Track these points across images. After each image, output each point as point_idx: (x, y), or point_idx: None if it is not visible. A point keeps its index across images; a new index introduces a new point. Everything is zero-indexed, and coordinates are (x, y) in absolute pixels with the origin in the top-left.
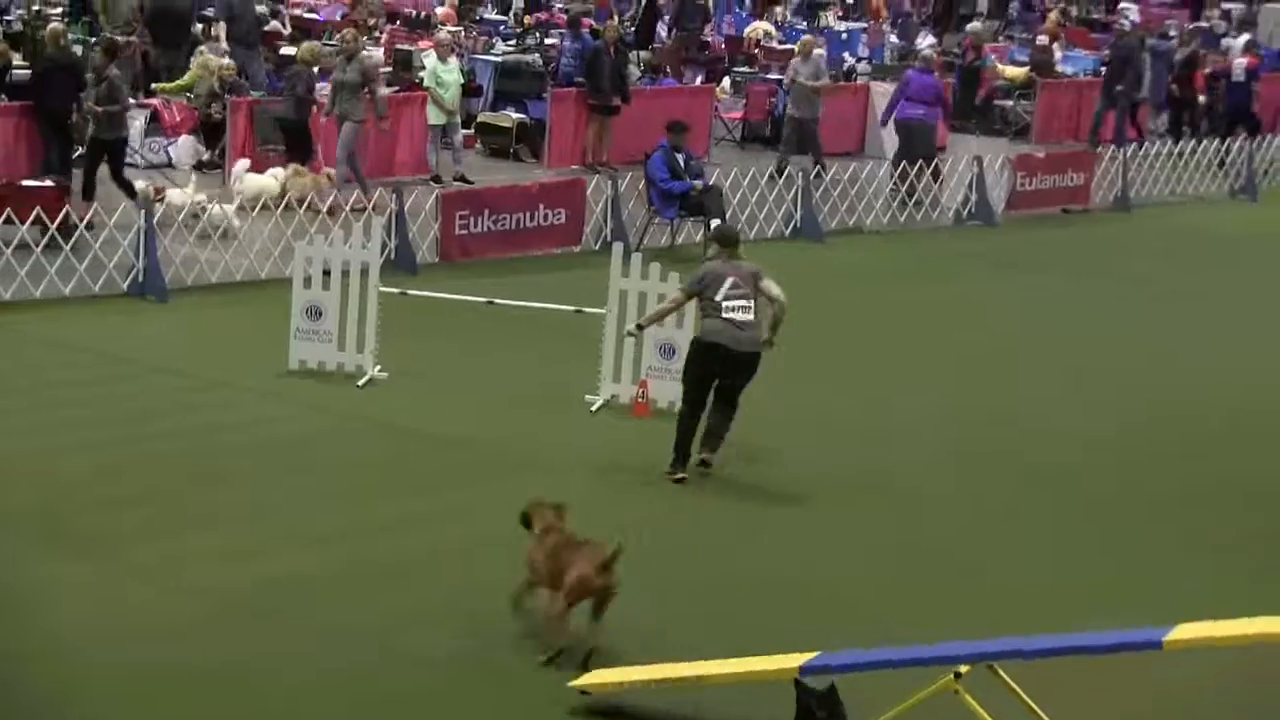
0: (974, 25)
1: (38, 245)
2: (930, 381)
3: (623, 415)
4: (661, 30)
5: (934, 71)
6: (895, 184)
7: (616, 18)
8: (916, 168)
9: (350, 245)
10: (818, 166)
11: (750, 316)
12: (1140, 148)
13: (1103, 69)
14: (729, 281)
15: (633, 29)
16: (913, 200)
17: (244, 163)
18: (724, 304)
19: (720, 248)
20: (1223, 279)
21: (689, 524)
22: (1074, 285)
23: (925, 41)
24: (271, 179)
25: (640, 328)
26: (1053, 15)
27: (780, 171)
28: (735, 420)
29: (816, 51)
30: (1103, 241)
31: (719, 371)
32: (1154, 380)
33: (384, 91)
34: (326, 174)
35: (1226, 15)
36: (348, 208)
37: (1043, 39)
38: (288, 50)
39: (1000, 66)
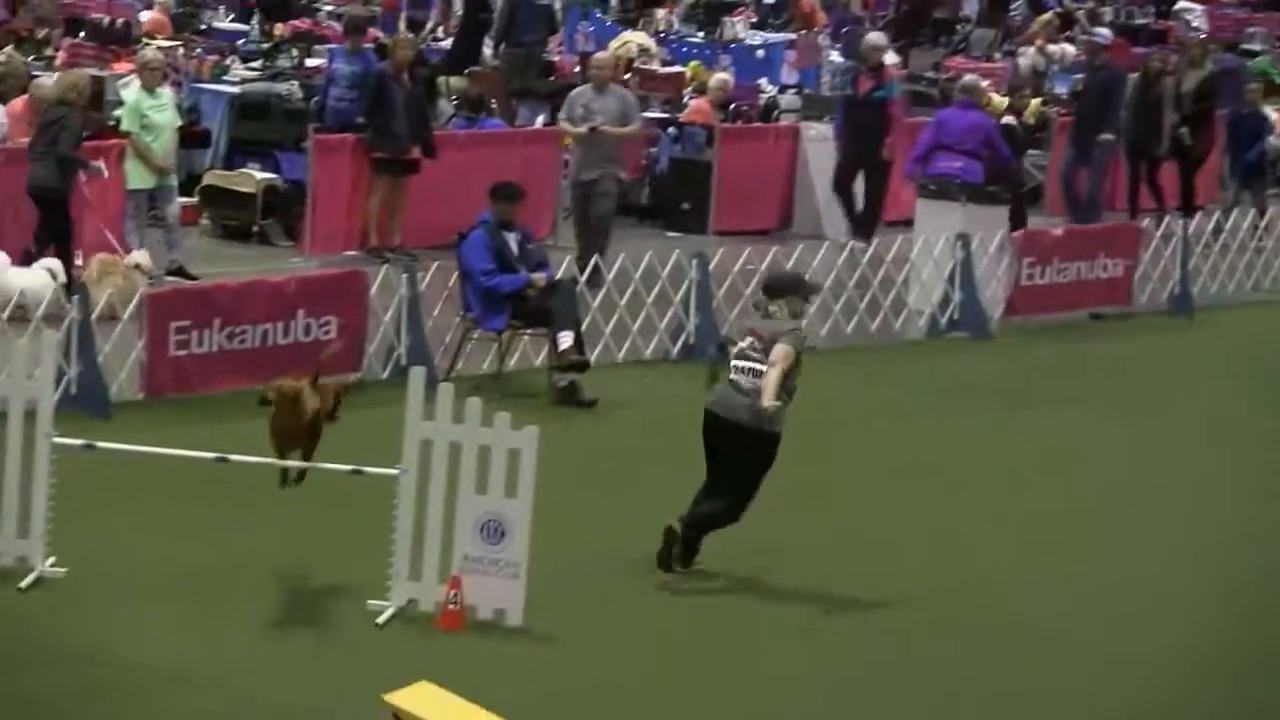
0: (872, 38)
1: None
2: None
3: (425, 631)
4: (488, 48)
5: (978, 106)
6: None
7: (408, 27)
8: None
9: (4, 375)
10: (594, 258)
11: (757, 383)
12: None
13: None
14: (747, 340)
15: (431, 40)
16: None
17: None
18: (734, 363)
19: (764, 297)
20: None
21: None
22: (1114, 429)
23: (888, 59)
24: (45, 275)
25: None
26: (1043, 17)
27: (582, 267)
28: (727, 521)
29: (618, 89)
30: (1154, 362)
31: (712, 445)
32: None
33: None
34: (135, 263)
35: None
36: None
37: (1027, 53)
38: None
39: (993, 97)
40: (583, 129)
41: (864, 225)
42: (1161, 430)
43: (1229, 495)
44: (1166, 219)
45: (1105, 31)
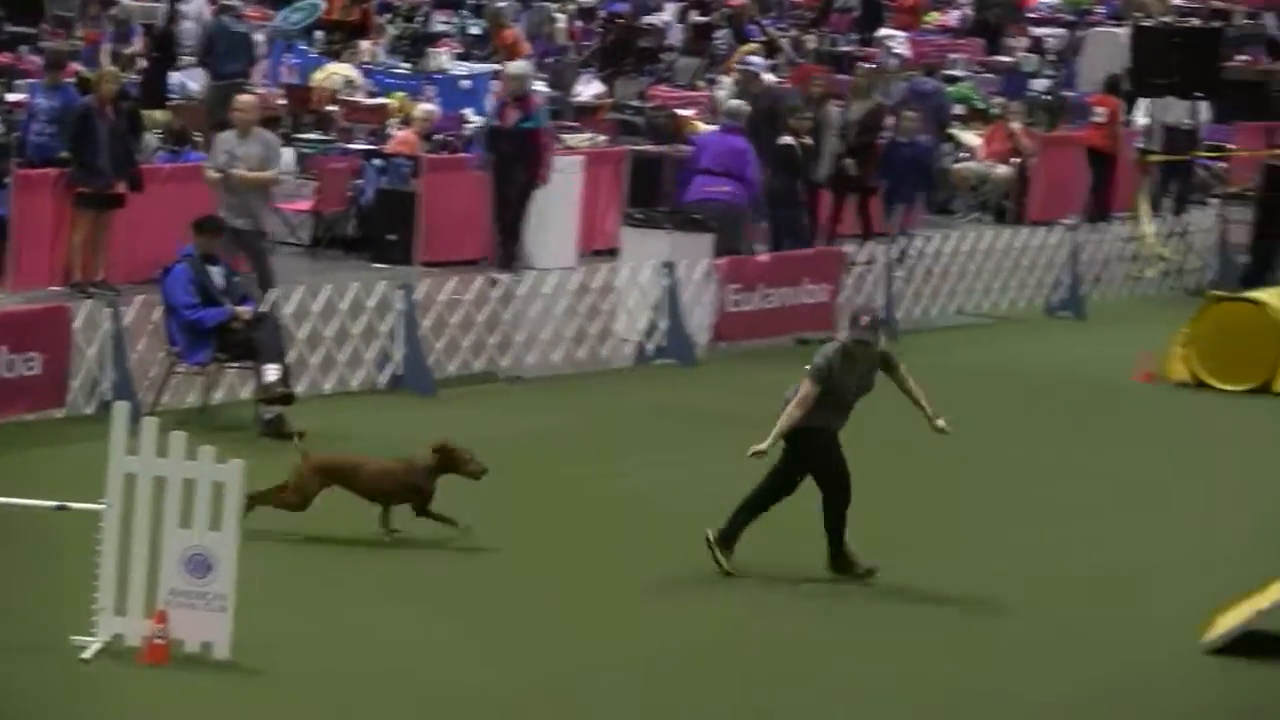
0: (515, 67)
1: None
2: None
3: (131, 666)
4: (184, 79)
5: (742, 130)
6: None
7: (111, 60)
8: None
9: None
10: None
11: None
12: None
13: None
14: None
15: (135, 74)
16: None
17: None
18: None
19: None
20: (1052, 441)
21: None
22: None
23: (589, 89)
24: None
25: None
26: (746, 47)
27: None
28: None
29: (263, 133)
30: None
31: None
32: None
33: None
34: None
35: (1037, 45)
36: None
37: (724, 83)
38: None
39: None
40: (217, 175)
41: (506, 254)
42: (876, 458)
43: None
44: (869, 245)
45: (759, 60)
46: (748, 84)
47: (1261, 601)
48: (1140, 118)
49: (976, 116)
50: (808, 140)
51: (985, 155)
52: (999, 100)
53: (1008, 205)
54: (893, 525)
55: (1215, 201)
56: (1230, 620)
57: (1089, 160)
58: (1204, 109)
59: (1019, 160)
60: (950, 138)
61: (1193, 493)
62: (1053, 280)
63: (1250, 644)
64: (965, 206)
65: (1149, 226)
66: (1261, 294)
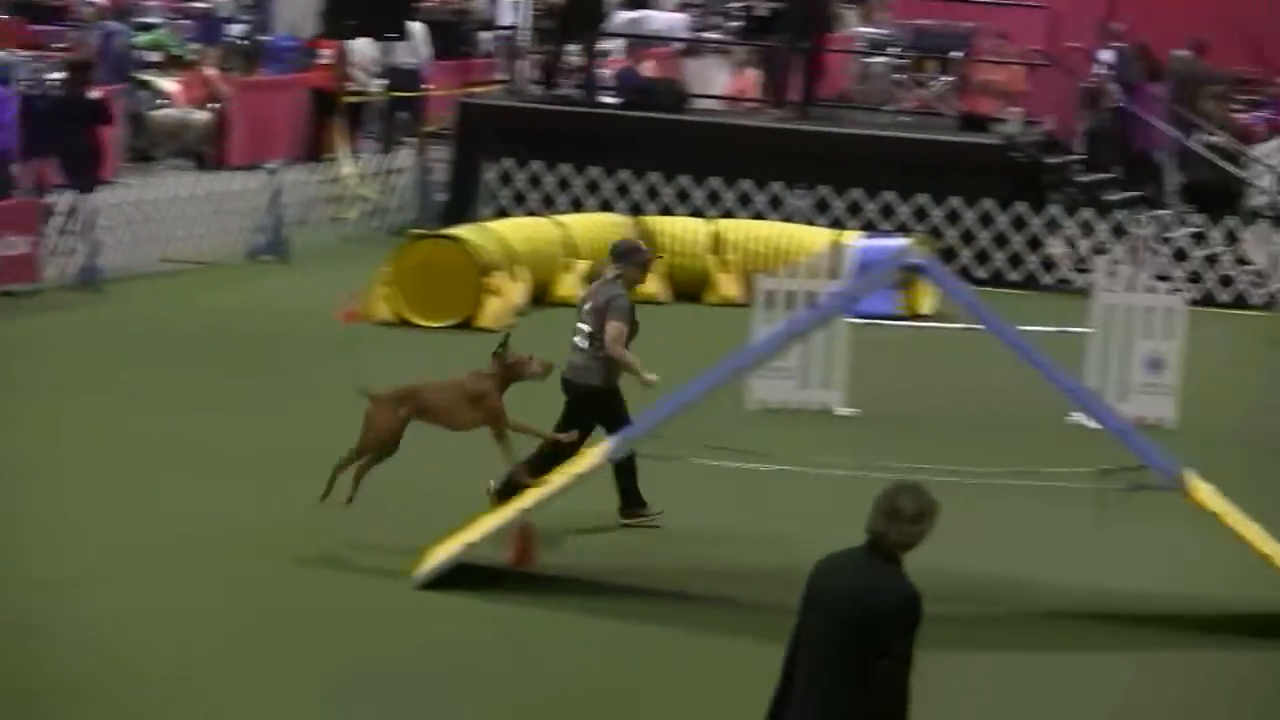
0: None
1: None
2: None
3: None
4: None
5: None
6: None
7: None
8: None
9: None
10: None
11: (584, 345)
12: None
13: None
14: (586, 305)
15: None
16: None
17: None
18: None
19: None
20: (255, 383)
21: None
22: (51, 407)
23: None
24: None
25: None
26: None
27: None
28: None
29: None
30: (73, 337)
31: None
32: None
33: None
34: None
35: None
36: None
37: None
38: None
39: None
40: None
41: None
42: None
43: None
44: (68, 194)
45: None
46: None
47: (471, 534)
48: (355, 58)
49: (174, 63)
50: None
51: (184, 101)
52: (195, 46)
53: (207, 151)
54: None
55: (413, 140)
56: (440, 554)
57: (313, 101)
58: (423, 48)
59: (217, 106)
60: (145, 84)
61: None
62: (255, 224)
63: (460, 577)
64: (166, 153)
65: (349, 167)
66: (460, 231)
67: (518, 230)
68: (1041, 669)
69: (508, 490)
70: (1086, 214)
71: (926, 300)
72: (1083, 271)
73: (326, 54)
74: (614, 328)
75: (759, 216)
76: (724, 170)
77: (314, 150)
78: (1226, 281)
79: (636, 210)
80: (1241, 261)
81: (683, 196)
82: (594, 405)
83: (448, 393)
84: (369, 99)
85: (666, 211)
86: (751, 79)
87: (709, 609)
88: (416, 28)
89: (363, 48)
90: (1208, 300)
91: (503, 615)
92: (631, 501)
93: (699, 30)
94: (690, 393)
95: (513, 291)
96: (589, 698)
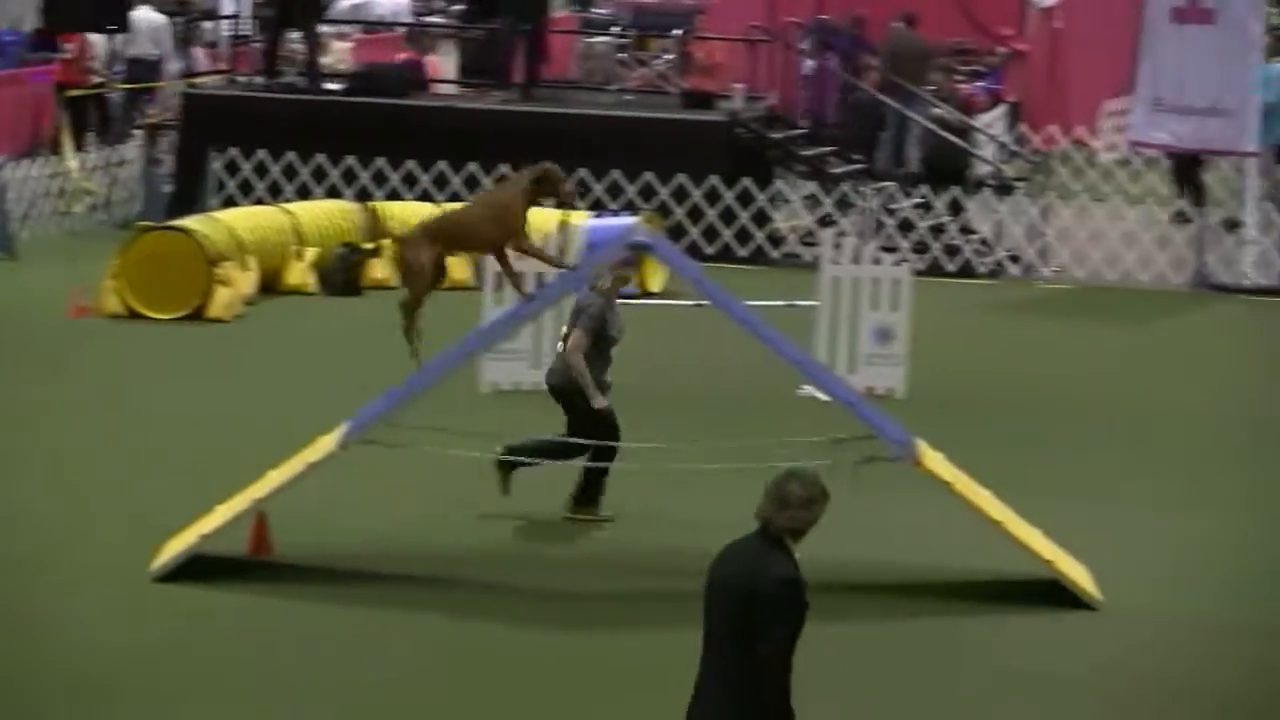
0: None
1: None
2: None
3: None
4: None
5: None
6: None
7: None
8: None
9: None
10: None
11: (559, 347)
12: None
13: None
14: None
15: None
16: None
17: None
18: None
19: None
20: None
21: None
22: None
23: None
24: None
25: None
26: None
27: None
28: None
29: None
30: None
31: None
32: None
33: None
34: None
35: None
36: None
37: None
38: None
39: None
40: None
41: None
42: None
43: None
44: None
45: None
46: None
47: (205, 526)
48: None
49: None
50: None
51: None
52: None
53: None
54: None
55: (138, 132)
56: (176, 546)
57: (57, 96)
58: (166, 40)
59: None
60: None
61: (125, 420)
62: None
63: (196, 568)
64: None
65: (73, 161)
66: (188, 222)
67: (246, 219)
68: None
69: (583, 497)
70: (811, 187)
71: (656, 278)
72: (810, 245)
73: (69, 47)
74: (576, 336)
75: None
76: (450, 154)
77: (39, 144)
78: (952, 251)
79: (364, 196)
80: (966, 231)
81: (410, 181)
82: (571, 402)
83: (470, 211)
84: (101, 91)
85: (394, 196)
86: (436, 61)
87: (443, 592)
88: (158, 19)
89: (100, 40)
90: (934, 270)
91: (241, 605)
92: (586, 499)
93: (422, 15)
94: (424, 378)
95: (242, 281)
96: (330, 686)
